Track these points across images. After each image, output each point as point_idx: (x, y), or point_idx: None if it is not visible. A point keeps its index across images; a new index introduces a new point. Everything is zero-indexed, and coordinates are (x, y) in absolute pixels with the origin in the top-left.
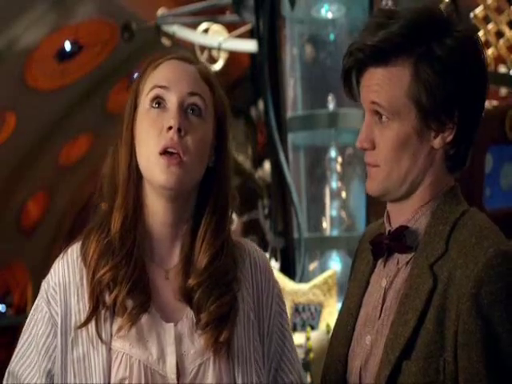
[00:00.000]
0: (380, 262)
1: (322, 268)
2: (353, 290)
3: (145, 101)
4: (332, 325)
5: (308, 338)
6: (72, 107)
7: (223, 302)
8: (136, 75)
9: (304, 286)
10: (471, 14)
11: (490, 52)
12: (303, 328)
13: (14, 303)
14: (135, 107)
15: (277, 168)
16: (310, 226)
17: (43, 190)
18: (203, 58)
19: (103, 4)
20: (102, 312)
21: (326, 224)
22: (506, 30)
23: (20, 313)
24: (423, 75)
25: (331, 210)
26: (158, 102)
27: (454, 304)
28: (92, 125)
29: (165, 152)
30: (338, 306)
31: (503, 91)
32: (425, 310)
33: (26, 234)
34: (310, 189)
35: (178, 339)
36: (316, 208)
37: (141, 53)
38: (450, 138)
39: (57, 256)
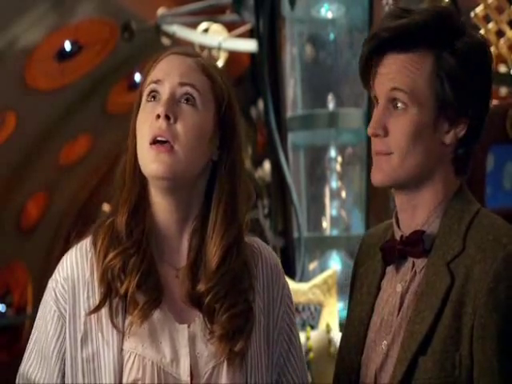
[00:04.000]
0: (391, 268)
1: (322, 268)
2: (361, 298)
3: (143, 98)
4: (332, 324)
5: (308, 338)
6: (72, 107)
7: (237, 313)
8: (138, 75)
9: (304, 286)
10: (472, 14)
11: None
12: (303, 328)
13: (14, 303)
14: (139, 107)
15: (277, 168)
16: (309, 226)
17: (43, 190)
18: (201, 53)
19: (103, 4)
20: (114, 305)
21: (325, 224)
22: (506, 29)
23: (20, 313)
24: (446, 66)
25: (331, 209)
26: (153, 95)
27: (471, 299)
28: (92, 125)
29: (155, 142)
30: (338, 305)
31: (503, 91)
32: (442, 306)
33: (25, 233)
34: (309, 188)
35: (191, 341)
36: (316, 208)
37: (141, 53)
38: (461, 134)
39: (57, 256)
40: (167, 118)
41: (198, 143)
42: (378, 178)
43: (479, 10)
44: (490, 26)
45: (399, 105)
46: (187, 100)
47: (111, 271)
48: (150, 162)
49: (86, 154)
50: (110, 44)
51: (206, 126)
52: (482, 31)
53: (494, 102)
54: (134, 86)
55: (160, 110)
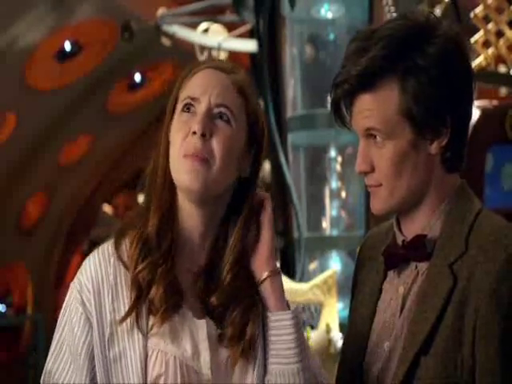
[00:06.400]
0: (393, 271)
1: (322, 268)
2: (363, 300)
3: (179, 107)
4: (332, 324)
5: (308, 338)
6: (72, 107)
7: (246, 315)
8: (138, 75)
9: (304, 286)
10: (471, 14)
11: (489, 52)
12: (303, 328)
13: (14, 303)
14: (173, 113)
15: (277, 168)
16: (309, 226)
17: (43, 189)
18: (203, 57)
19: (103, 4)
20: (139, 308)
21: (325, 224)
22: (506, 29)
23: (20, 313)
24: (410, 89)
25: (331, 209)
26: (189, 107)
27: (473, 300)
28: (92, 125)
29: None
30: (338, 305)
31: (503, 91)
32: (444, 307)
33: (26, 233)
34: (309, 189)
35: (210, 335)
36: (316, 208)
37: (141, 53)
38: (444, 142)
39: (57, 256)
40: (203, 135)
41: (230, 159)
42: (375, 207)
43: (479, 10)
44: (490, 26)
45: (378, 138)
46: (221, 117)
47: (141, 279)
48: (184, 172)
49: (85, 153)
50: (110, 44)
51: (238, 143)
52: (481, 32)
53: (494, 102)
54: (134, 86)
55: (196, 127)
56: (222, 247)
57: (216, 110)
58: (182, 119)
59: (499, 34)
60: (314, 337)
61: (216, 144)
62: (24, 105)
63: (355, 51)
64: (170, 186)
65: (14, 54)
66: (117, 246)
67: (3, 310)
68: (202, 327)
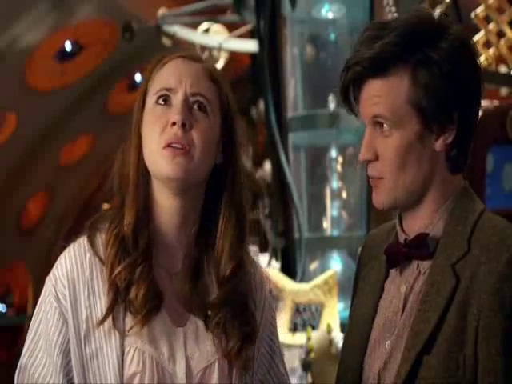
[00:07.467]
0: (395, 269)
1: (323, 268)
2: (364, 299)
3: (151, 99)
4: (333, 324)
5: (309, 338)
6: (72, 107)
7: (243, 332)
8: (138, 75)
9: (305, 286)
10: (472, 14)
11: (490, 52)
12: (304, 328)
13: (14, 303)
14: (143, 106)
15: (277, 168)
16: (310, 226)
17: (43, 189)
18: (204, 58)
19: (103, 4)
20: (116, 307)
21: (326, 224)
22: (507, 29)
23: (20, 313)
24: (422, 80)
25: (332, 209)
26: (165, 99)
27: (476, 300)
28: (92, 125)
29: (169, 146)
30: (339, 306)
31: (504, 91)
32: (447, 307)
33: (26, 233)
34: (310, 189)
35: (185, 342)
36: (316, 208)
37: (141, 53)
38: (450, 139)
39: (57, 256)
40: (183, 125)
41: (209, 148)
42: (378, 200)
43: (480, 10)
44: (491, 26)
45: (385, 126)
46: (199, 107)
47: (119, 282)
48: (166, 164)
49: (86, 154)
50: (111, 44)
51: (215, 131)
52: (482, 32)
53: (494, 102)
54: (134, 86)
55: (176, 118)
56: (204, 243)
57: (192, 99)
58: (157, 112)
59: (500, 34)
60: (314, 337)
61: (196, 136)
62: (24, 105)
63: (369, 38)
64: (144, 181)
65: (14, 54)
66: (91, 242)
67: (3, 310)
68: (179, 336)
